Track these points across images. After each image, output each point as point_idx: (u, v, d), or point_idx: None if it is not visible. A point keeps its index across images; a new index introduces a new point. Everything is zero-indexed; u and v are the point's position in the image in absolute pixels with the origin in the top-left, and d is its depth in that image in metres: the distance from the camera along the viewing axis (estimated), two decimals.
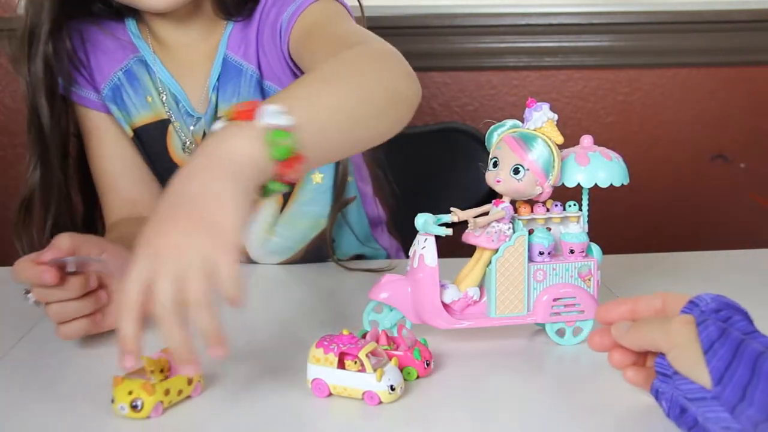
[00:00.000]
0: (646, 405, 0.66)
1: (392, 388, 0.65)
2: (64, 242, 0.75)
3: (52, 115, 0.98)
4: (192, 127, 1.03)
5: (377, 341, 0.69)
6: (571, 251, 0.77)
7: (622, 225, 1.74)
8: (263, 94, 1.01)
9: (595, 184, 0.75)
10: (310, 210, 1.05)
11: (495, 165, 0.74)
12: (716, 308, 0.60)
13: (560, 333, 0.78)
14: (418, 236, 0.75)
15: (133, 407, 0.63)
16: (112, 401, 0.64)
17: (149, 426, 0.63)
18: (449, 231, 0.73)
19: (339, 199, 1.04)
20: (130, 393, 0.63)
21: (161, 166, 1.04)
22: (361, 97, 0.74)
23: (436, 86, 1.70)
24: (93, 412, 0.66)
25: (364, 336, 0.69)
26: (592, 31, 1.68)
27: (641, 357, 0.66)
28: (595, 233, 0.79)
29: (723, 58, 1.71)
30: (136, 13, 1.02)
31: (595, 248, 0.78)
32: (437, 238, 0.75)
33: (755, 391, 0.53)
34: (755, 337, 0.58)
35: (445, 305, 0.76)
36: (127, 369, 0.61)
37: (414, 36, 1.64)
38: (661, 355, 0.60)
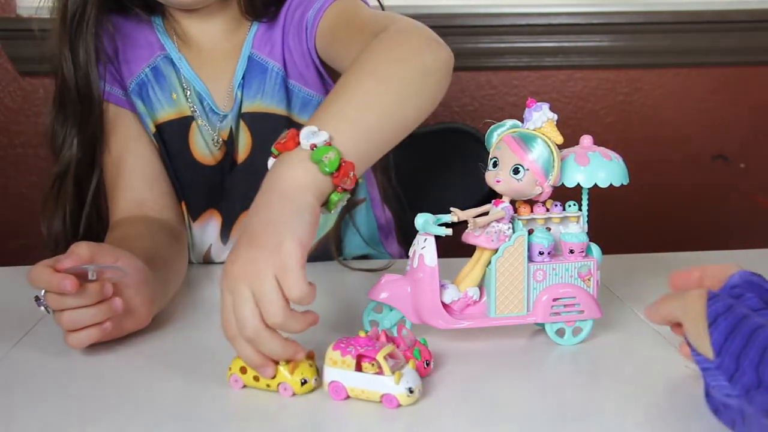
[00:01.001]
0: (646, 405, 0.66)
1: (411, 391, 0.65)
2: (83, 250, 0.75)
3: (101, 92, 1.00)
4: (219, 124, 1.04)
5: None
6: (571, 251, 0.77)
7: (622, 225, 1.74)
8: (287, 92, 1.03)
9: (595, 184, 0.75)
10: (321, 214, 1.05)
11: (495, 165, 0.74)
12: (733, 284, 0.63)
13: (560, 333, 0.78)
14: (418, 236, 0.75)
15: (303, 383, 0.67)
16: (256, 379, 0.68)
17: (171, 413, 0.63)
18: (449, 231, 0.73)
19: (349, 200, 1.04)
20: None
21: (182, 162, 1.05)
22: (391, 89, 0.78)
23: None
24: (93, 413, 0.66)
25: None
26: (592, 31, 1.68)
27: None
28: (595, 233, 0.79)
29: (723, 58, 1.71)
30: (163, 11, 1.04)
31: (595, 248, 0.78)
32: (437, 238, 0.75)
33: (745, 360, 0.57)
34: (763, 314, 0.60)
35: (444, 305, 0.76)
36: (269, 376, 0.67)
37: None
38: None
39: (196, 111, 1.04)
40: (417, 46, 0.82)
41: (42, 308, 0.76)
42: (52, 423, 0.65)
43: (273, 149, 0.72)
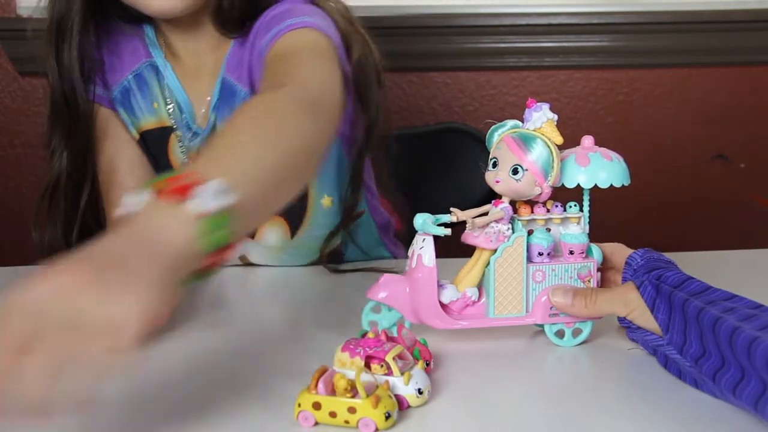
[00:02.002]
0: (646, 405, 0.66)
1: (420, 392, 0.64)
2: None
3: (88, 99, 0.99)
4: (192, 141, 1.03)
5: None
6: (571, 252, 0.77)
7: (623, 225, 1.74)
8: None
9: (596, 185, 0.75)
10: (322, 233, 1.04)
11: (494, 165, 0.74)
12: (648, 268, 0.73)
13: (559, 334, 0.78)
14: (416, 236, 0.75)
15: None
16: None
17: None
18: (447, 231, 0.73)
19: (349, 216, 1.04)
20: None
21: (161, 171, 1.04)
22: (282, 155, 0.67)
23: (436, 86, 1.69)
24: (92, 413, 0.66)
25: (363, 336, 0.69)
26: (592, 31, 1.68)
27: None
28: (595, 234, 0.79)
29: (723, 58, 1.71)
30: (153, 19, 1.02)
31: (595, 249, 0.78)
32: (437, 238, 0.75)
33: (690, 332, 0.66)
34: (688, 285, 0.70)
35: (443, 305, 0.76)
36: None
37: (414, 36, 1.64)
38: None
39: (175, 122, 1.03)
40: (310, 124, 0.73)
41: None
42: (52, 422, 0.65)
43: (154, 185, 0.56)
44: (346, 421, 0.61)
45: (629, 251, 0.77)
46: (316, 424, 0.62)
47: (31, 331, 0.47)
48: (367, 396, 0.61)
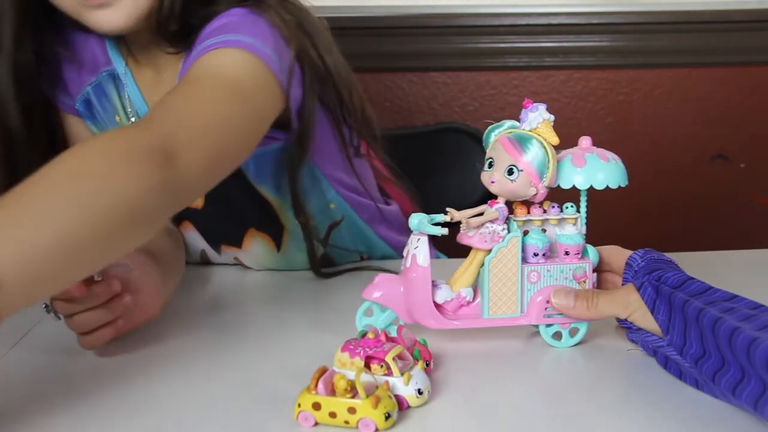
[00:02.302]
0: (646, 405, 0.66)
1: (420, 392, 0.65)
2: None
3: (26, 125, 0.93)
4: None
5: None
6: (567, 253, 0.77)
7: (621, 226, 1.74)
8: None
9: (592, 186, 0.75)
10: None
11: (490, 165, 0.74)
12: (649, 269, 0.73)
13: (557, 336, 0.78)
14: (411, 236, 0.75)
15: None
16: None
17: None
18: (443, 231, 0.73)
19: (308, 234, 0.99)
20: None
21: None
22: (82, 219, 0.61)
23: (436, 86, 1.70)
24: (92, 413, 0.66)
25: (363, 336, 0.69)
26: (592, 31, 1.68)
27: None
28: (593, 234, 0.79)
29: (723, 58, 1.71)
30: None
31: (591, 250, 0.78)
32: (434, 238, 0.75)
33: (690, 333, 0.66)
34: (688, 285, 0.70)
35: (438, 305, 0.76)
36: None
37: (414, 36, 1.64)
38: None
39: None
40: (140, 182, 0.65)
41: (51, 315, 0.75)
42: (52, 423, 0.65)
43: None
44: (346, 422, 0.61)
45: (627, 253, 0.77)
46: (316, 424, 0.62)
47: None
48: (367, 396, 0.61)
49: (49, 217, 0.59)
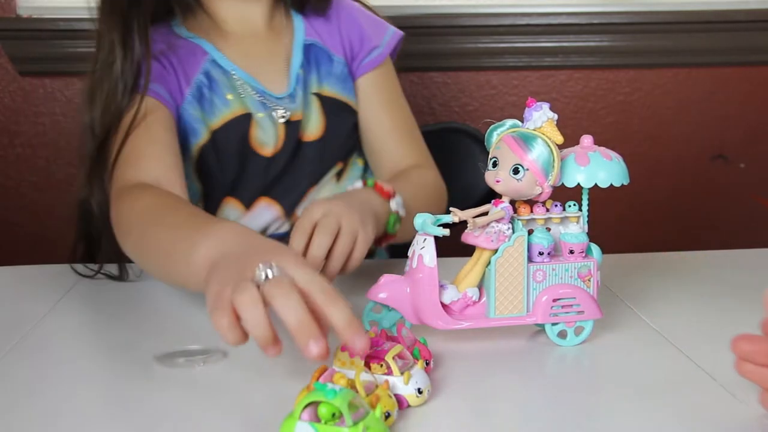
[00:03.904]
0: (647, 405, 0.66)
1: (419, 392, 0.64)
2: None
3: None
4: (283, 108, 1.06)
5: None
6: (571, 251, 0.77)
7: (623, 225, 1.74)
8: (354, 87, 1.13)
9: (595, 184, 0.75)
10: None
11: (494, 165, 0.74)
12: None
13: (562, 335, 0.78)
14: (417, 236, 0.75)
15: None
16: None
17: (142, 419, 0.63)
18: (447, 231, 0.73)
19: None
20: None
21: (245, 158, 1.06)
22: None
23: (436, 86, 1.70)
24: (93, 413, 0.66)
25: None
26: (592, 31, 1.68)
27: None
28: (595, 233, 0.79)
29: (723, 58, 1.71)
30: (188, 13, 1.08)
31: (595, 249, 0.78)
32: (437, 238, 0.74)
33: None
34: None
35: (444, 305, 0.75)
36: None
37: (414, 36, 1.63)
38: None
39: (252, 107, 1.05)
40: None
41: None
42: (51, 424, 0.65)
43: (374, 182, 0.94)
44: None
45: None
46: None
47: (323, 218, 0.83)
48: (367, 395, 0.61)
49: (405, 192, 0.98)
